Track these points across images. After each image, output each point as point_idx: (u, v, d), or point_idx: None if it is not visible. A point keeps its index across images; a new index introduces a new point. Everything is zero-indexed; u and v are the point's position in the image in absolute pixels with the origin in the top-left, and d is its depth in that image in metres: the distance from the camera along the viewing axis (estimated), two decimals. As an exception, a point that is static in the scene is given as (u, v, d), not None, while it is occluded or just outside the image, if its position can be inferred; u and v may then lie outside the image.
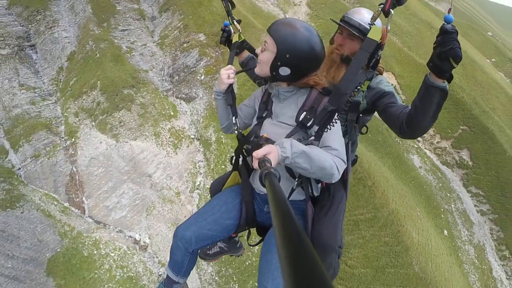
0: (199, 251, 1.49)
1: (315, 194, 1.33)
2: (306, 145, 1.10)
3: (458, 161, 7.33)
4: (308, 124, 1.15)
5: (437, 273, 4.69)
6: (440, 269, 4.83)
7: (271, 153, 0.94)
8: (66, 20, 7.00)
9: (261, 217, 1.43)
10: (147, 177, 5.23)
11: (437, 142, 7.66)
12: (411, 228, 4.73)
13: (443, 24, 1.01)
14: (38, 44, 6.79)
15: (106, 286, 4.71)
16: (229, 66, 1.35)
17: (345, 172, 1.43)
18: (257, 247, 3.40)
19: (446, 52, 1.00)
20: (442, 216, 6.22)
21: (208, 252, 1.80)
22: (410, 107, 1.26)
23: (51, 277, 4.60)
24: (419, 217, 5.27)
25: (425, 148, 7.56)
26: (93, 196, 5.27)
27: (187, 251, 1.37)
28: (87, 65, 6.00)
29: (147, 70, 6.29)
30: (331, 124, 1.12)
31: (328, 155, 1.07)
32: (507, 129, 7.61)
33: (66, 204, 5.30)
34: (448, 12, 1.00)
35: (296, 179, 1.22)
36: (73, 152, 5.51)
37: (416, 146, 7.44)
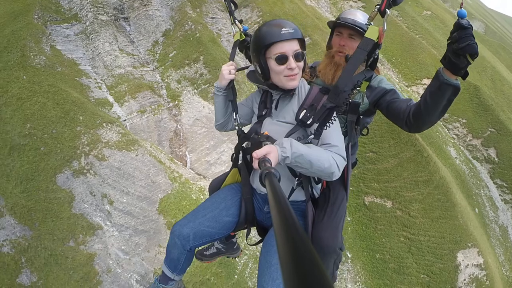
0: (196, 250, 1.63)
1: (316, 195, 1.53)
2: (305, 143, 1.27)
3: (486, 157, 9.70)
4: (308, 122, 1.30)
5: (475, 231, 6.86)
6: (476, 230, 7.00)
7: (271, 153, 1.08)
8: (158, 1, 9.05)
9: (260, 216, 1.61)
10: (244, 138, 7.18)
11: (469, 140, 10.05)
12: (455, 192, 6.93)
13: (458, 19, 1.10)
14: (132, 18, 8.77)
15: (212, 225, 6.39)
16: (231, 62, 1.55)
17: (345, 174, 1.60)
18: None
19: (463, 49, 1.09)
20: (474, 197, 8.46)
21: (205, 253, 2.04)
22: (413, 101, 1.43)
23: (162, 215, 5.60)
24: (458, 189, 7.48)
25: (459, 144, 9.92)
26: (196, 151, 7.15)
27: (184, 248, 1.52)
28: (187, 42, 8.03)
29: (234, 54, 8.40)
30: (330, 121, 1.29)
31: (328, 153, 1.23)
32: (528, 134, 10.12)
33: (170, 156, 7.09)
34: (460, 7, 1.08)
35: (297, 179, 1.39)
36: (176, 112, 7.42)
37: (452, 141, 9.78)
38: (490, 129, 10.04)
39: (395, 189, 6.80)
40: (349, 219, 6.72)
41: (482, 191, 8.92)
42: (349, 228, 6.62)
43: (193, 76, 7.64)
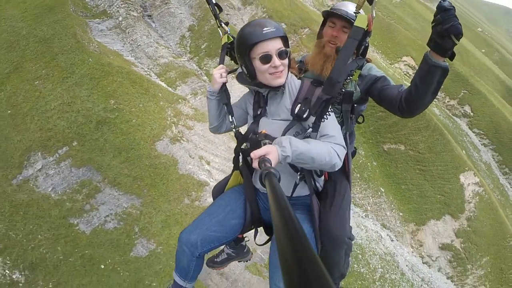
0: (205, 257, 1.81)
1: (319, 188, 1.72)
2: (304, 138, 1.43)
3: (463, 113, 12.97)
4: (304, 116, 1.44)
5: (467, 159, 9.67)
6: (468, 162, 9.84)
7: (270, 153, 1.18)
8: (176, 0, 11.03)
9: (266, 215, 1.80)
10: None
11: (448, 101, 13.31)
12: (447, 133, 9.77)
13: (440, 1, 1.24)
14: (155, 16, 10.63)
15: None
16: (221, 65, 1.74)
17: (346, 164, 1.81)
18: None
19: (447, 30, 1.22)
20: (459, 142, 11.47)
21: (215, 259, 2.30)
22: (404, 86, 1.62)
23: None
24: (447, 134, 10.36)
25: (441, 105, 13.08)
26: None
27: (193, 255, 1.69)
28: (216, 34, 10.10)
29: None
30: (328, 113, 1.43)
31: (327, 145, 1.37)
32: (494, 92, 13.71)
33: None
34: None
35: (299, 174, 1.55)
36: (217, 95, 9.37)
37: (434, 103, 12.90)
38: (463, 91, 13.40)
39: (405, 135, 9.43)
40: (375, 163, 9.15)
41: (464, 138, 12.06)
42: (377, 170, 9.05)
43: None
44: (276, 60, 1.42)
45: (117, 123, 6.10)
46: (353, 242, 1.75)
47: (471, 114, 12.95)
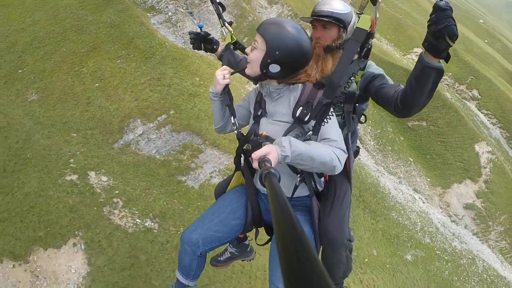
0: (208, 255, 1.92)
1: (319, 188, 1.78)
2: (304, 140, 1.48)
3: (472, 96, 14.86)
4: (306, 119, 1.50)
5: (481, 134, 11.46)
6: (481, 134, 11.63)
7: (270, 153, 1.25)
8: None
9: (267, 216, 1.90)
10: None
11: (457, 87, 15.20)
12: (460, 110, 11.55)
13: (437, 1, 1.26)
14: (195, 13, 12.23)
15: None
16: (224, 66, 1.79)
17: (347, 164, 1.88)
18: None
19: (441, 31, 1.24)
20: (471, 121, 13.27)
21: (219, 258, 2.43)
22: (401, 86, 1.67)
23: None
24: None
25: (451, 90, 14.93)
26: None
27: (195, 254, 1.81)
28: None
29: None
30: (328, 117, 1.49)
31: (327, 148, 1.43)
32: (498, 77, 15.62)
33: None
34: None
35: (299, 175, 1.63)
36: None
37: (446, 88, 14.73)
38: (470, 77, 15.32)
39: (425, 113, 11.21)
40: (402, 138, 10.87)
41: (475, 118, 13.93)
42: (404, 144, 10.77)
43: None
44: (249, 48, 1.60)
45: (206, 96, 6.63)
46: (353, 242, 1.87)
47: (479, 97, 14.83)
